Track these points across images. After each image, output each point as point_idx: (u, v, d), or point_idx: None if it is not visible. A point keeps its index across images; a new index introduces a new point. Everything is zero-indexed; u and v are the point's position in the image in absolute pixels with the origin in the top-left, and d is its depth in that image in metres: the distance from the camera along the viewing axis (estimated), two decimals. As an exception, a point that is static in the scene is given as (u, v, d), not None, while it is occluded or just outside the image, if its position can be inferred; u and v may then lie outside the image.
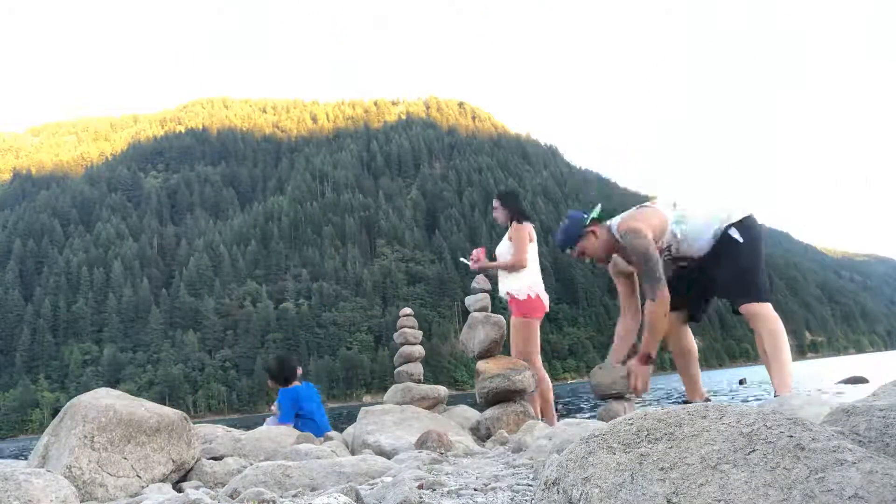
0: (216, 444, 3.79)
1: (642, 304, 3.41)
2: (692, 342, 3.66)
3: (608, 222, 3.49)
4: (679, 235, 3.36)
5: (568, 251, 3.54)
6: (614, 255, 3.57)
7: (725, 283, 3.35)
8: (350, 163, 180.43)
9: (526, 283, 4.63)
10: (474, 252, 4.79)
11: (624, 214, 3.47)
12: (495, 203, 4.87)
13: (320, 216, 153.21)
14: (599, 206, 3.56)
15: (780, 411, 1.09)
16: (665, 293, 3.21)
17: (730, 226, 3.33)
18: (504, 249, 4.72)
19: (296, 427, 4.81)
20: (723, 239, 3.33)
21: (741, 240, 3.29)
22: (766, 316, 3.23)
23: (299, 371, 5.21)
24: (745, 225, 3.34)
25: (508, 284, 4.64)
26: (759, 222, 3.45)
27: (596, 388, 3.75)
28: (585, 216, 3.51)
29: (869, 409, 1.19)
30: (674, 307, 3.43)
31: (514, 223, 4.72)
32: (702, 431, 1.07)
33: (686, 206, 3.43)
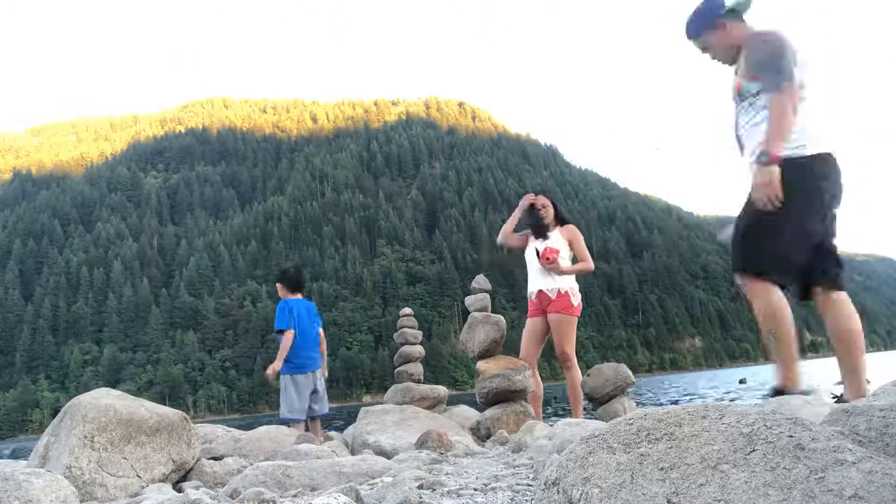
0: (216, 444, 3.79)
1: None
2: (851, 321, 2.78)
3: (746, 24, 2.91)
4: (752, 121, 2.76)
5: (692, 42, 3.02)
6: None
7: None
8: (350, 163, 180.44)
9: (576, 285, 4.72)
10: (547, 249, 4.62)
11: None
12: (544, 201, 4.84)
13: (320, 216, 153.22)
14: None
15: (780, 411, 1.08)
16: (794, 87, 2.64)
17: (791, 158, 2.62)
18: (561, 248, 4.70)
19: (296, 334, 4.98)
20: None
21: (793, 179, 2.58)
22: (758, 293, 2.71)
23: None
24: (815, 162, 2.63)
25: (565, 283, 4.64)
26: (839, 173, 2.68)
27: (591, 394, 3.73)
28: (725, 2, 2.90)
29: (869, 409, 1.18)
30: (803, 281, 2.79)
31: (570, 226, 4.80)
32: (702, 431, 1.07)
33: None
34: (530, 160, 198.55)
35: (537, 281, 4.72)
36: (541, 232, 4.79)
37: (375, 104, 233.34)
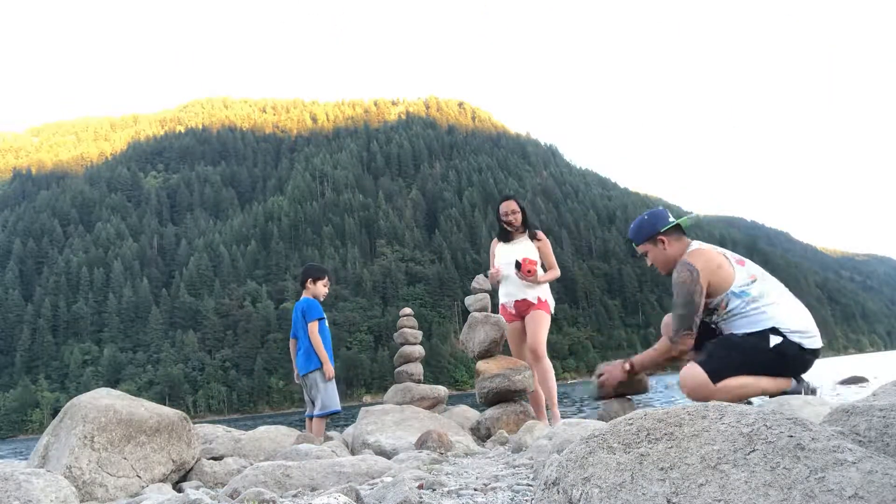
0: (216, 444, 3.80)
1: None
2: None
3: (690, 241, 3.13)
4: (728, 306, 2.94)
5: (634, 246, 3.28)
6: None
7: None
8: (350, 163, 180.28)
9: (549, 290, 4.87)
10: (526, 261, 4.64)
11: (703, 245, 3.10)
12: (516, 206, 4.84)
13: (320, 216, 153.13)
14: (694, 216, 3.20)
15: (780, 411, 1.09)
16: (688, 343, 2.94)
17: (773, 331, 2.82)
18: (530, 255, 4.75)
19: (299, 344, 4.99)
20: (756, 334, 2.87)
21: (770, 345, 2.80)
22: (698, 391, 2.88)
23: (323, 283, 5.01)
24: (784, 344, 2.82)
25: (542, 291, 4.76)
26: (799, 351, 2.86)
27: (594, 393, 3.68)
28: (669, 220, 3.14)
29: (869, 409, 1.18)
30: None
31: (541, 234, 4.88)
32: (702, 431, 1.07)
33: (766, 287, 2.92)
34: (530, 160, 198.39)
35: (515, 291, 4.72)
36: (506, 236, 4.84)
37: (375, 104, 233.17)
